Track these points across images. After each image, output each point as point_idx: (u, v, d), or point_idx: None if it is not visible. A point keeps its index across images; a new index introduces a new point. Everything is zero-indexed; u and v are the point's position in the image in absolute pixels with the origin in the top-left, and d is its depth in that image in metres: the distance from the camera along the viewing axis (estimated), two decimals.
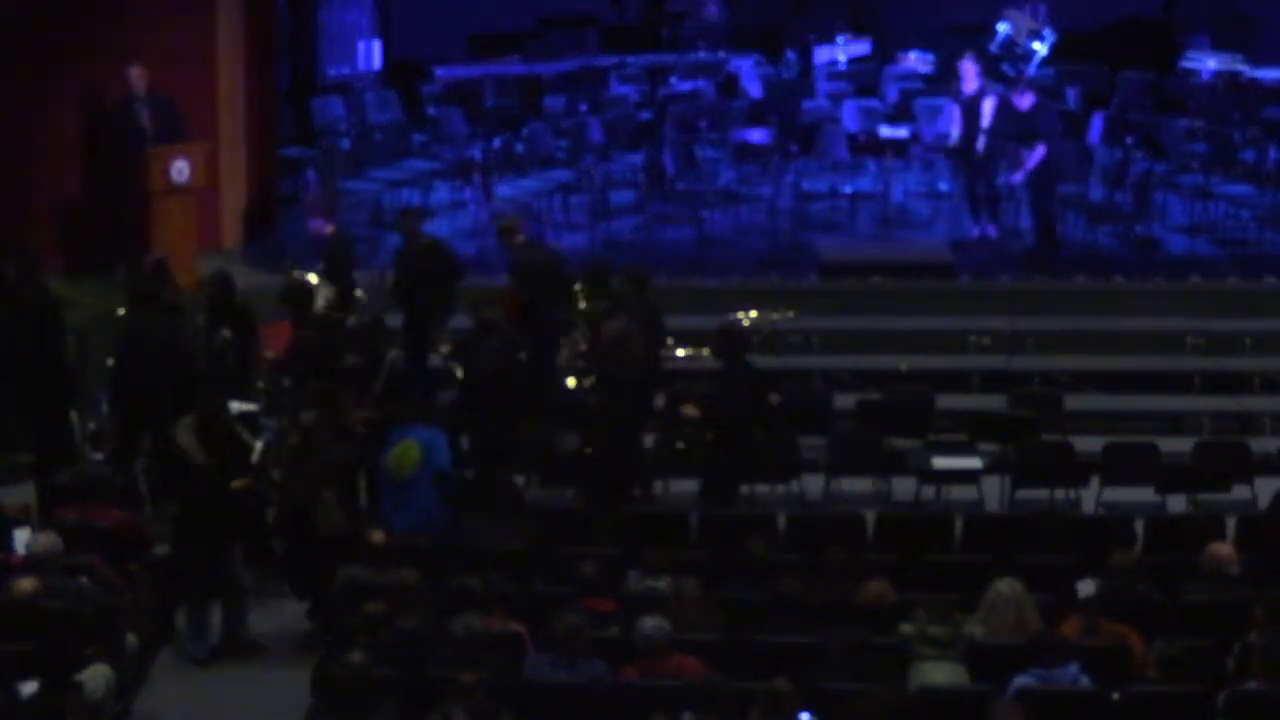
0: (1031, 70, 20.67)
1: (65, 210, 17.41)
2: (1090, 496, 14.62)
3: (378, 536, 12.26)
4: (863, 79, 21.97)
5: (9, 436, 14.61)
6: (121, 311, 14.64)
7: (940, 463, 14.61)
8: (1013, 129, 18.28)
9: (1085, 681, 10.42)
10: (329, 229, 16.02)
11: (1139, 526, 13.24)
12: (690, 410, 14.16)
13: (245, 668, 12.35)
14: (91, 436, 14.52)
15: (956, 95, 18.78)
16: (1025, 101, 18.34)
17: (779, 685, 9.87)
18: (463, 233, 18.88)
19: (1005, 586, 11.18)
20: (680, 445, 14.37)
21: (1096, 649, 10.77)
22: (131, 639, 11.56)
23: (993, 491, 14.70)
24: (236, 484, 12.32)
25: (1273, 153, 19.55)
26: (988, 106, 18.49)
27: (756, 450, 14.34)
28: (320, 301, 14.82)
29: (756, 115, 20.90)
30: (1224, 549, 11.89)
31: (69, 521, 12.30)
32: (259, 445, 12.69)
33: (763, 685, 9.94)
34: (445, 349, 15.09)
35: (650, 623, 10.60)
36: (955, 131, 18.82)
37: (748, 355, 14.51)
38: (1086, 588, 11.53)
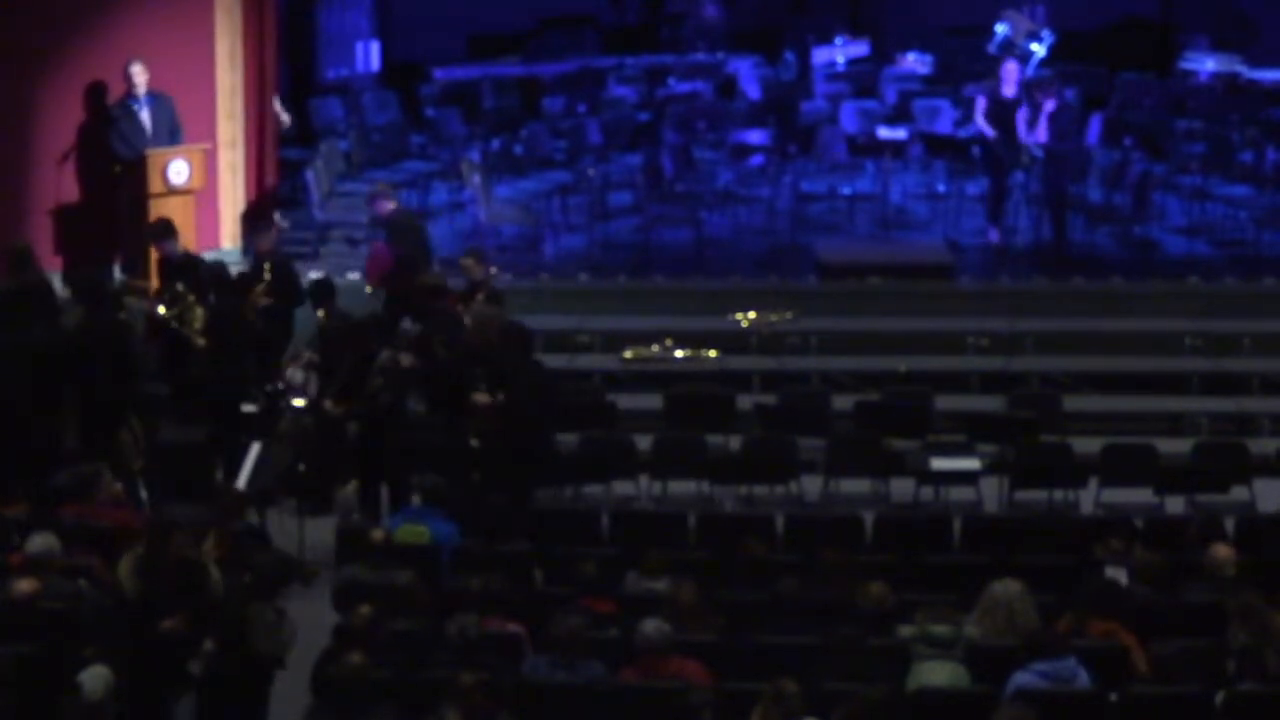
0: (1030, 71, 20.66)
1: (64, 211, 17.39)
2: (1089, 497, 14.63)
3: (378, 535, 12.26)
4: (861, 80, 21.98)
5: None
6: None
7: (939, 464, 14.62)
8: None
9: (1084, 675, 10.41)
10: (180, 249, 16.01)
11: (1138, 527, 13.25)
12: (481, 397, 13.90)
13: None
14: None
15: (993, 92, 18.63)
16: (1050, 105, 18.29)
17: (786, 686, 9.85)
18: (462, 233, 18.89)
19: (1002, 588, 11.16)
20: (474, 442, 13.98)
21: (1094, 649, 10.77)
22: None
23: (991, 492, 14.71)
24: (166, 624, 10.80)
25: (1271, 154, 19.54)
26: (1026, 112, 18.50)
27: (548, 452, 14.28)
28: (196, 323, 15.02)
29: (755, 116, 20.90)
30: (1224, 550, 11.89)
31: (69, 522, 12.28)
32: (217, 578, 11.09)
33: (768, 686, 9.93)
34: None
35: (651, 624, 10.59)
36: (981, 120, 18.68)
37: (534, 355, 14.62)
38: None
